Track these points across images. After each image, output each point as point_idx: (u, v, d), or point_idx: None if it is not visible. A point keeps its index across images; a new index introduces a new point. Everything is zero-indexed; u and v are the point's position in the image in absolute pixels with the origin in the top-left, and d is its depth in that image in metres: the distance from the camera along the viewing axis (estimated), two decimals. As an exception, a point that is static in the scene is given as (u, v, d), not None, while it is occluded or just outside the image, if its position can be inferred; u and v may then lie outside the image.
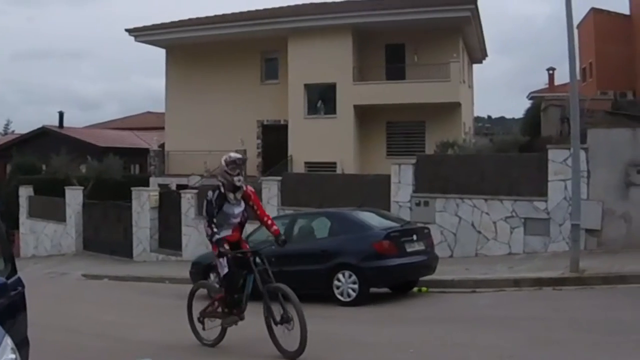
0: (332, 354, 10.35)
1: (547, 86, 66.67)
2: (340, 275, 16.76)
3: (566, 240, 21.26)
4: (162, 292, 22.66)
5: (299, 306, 10.26)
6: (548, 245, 22.59)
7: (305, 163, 38.28)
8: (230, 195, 11.37)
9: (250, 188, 11.67)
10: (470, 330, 12.45)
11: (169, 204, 33.29)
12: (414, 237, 17.57)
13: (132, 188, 34.76)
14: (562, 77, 65.35)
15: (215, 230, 11.20)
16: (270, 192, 28.73)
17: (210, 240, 11.40)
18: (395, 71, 39.44)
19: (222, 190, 11.36)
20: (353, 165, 37.28)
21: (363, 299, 16.43)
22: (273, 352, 10.56)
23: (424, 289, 18.15)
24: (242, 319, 11.49)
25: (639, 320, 12.22)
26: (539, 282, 17.42)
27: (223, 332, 11.86)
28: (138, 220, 33.76)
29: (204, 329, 12.15)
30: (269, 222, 11.53)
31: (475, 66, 52.54)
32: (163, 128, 46.68)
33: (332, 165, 37.12)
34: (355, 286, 16.50)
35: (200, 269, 20.34)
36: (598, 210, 21.74)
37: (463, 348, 10.86)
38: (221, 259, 11.32)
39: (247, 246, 11.86)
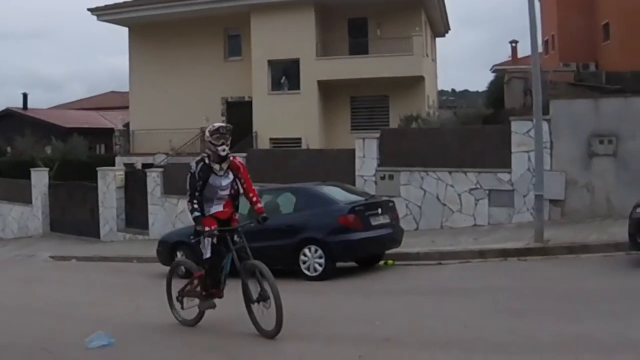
0: (300, 329, 10.38)
1: (510, 59, 66.89)
2: (306, 251, 16.79)
3: (530, 211, 21.48)
4: (130, 271, 22.65)
5: (275, 285, 10.01)
6: (513, 217, 22.77)
7: (271, 139, 38.31)
8: (217, 167, 10.85)
9: (239, 160, 11.18)
10: (436, 302, 12.59)
11: (135, 184, 33.14)
12: (379, 210, 17.61)
13: (98, 168, 34.54)
14: (525, 49, 65.41)
15: (196, 206, 10.82)
16: (236, 169, 28.65)
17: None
18: (359, 46, 39.54)
19: (207, 161, 10.85)
20: (318, 140, 37.33)
21: (330, 274, 16.47)
22: (250, 331, 10.50)
23: (390, 262, 18.26)
24: (221, 297, 11.25)
25: (602, 288, 12.39)
26: (504, 253, 17.61)
27: (201, 313, 11.52)
28: (104, 201, 33.61)
29: (182, 308, 11.81)
30: (254, 198, 11.11)
31: (438, 40, 52.71)
32: (128, 107, 46.53)
33: (298, 141, 37.16)
34: (322, 261, 16.55)
35: (167, 248, 20.42)
36: (561, 181, 21.93)
37: (428, 319, 10.95)
38: (206, 241, 10.91)
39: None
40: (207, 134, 10.81)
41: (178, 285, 11.98)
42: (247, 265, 10.54)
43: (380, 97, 39.19)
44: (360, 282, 16.12)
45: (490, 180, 23.13)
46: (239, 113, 40.81)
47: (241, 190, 11.23)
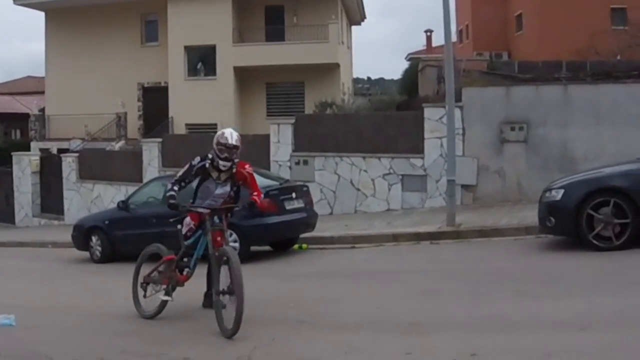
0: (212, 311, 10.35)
1: (425, 48, 67.49)
2: (221, 234, 16.77)
3: (443, 195, 21.74)
4: (46, 256, 22.45)
5: (240, 277, 9.24)
6: (425, 201, 23.13)
7: (186, 125, 38.22)
8: (214, 174, 10.38)
9: (248, 170, 10.48)
10: (349, 284, 12.67)
11: (50, 169, 33.07)
12: (293, 195, 17.73)
13: (13, 153, 34.33)
14: (440, 39, 66.22)
15: (175, 188, 10.27)
16: (151, 154, 28.66)
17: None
18: (275, 33, 39.73)
19: (207, 165, 10.32)
20: (234, 126, 37.10)
21: (244, 257, 16.37)
22: (169, 315, 10.54)
23: (304, 245, 18.38)
24: (181, 285, 10.67)
25: (512, 270, 12.58)
26: (416, 237, 17.78)
27: (163, 303, 10.68)
28: (19, 186, 33.44)
29: (144, 296, 11.01)
30: (254, 193, 10.45)
31: (354, 28, 52.87)
32: (44, 92, 45.85)
33: (213, 127, 36.89)
34: (236, 244, 16.42)
35: (82, 232, 20.49)
36: (473, 166, 22.29)
37: (342, 301, 11.01)
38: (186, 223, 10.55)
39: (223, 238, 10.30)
40: (215, 140, 10.22)
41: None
42: (219, 252, 9.86)
43: (296, 84, 39.44)
44: (275, 266, 16.19)
45: (403, 166, 23.41)
46: (155, 98, 40.73)
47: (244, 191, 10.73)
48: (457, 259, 14.83)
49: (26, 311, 11.28)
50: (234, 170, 10.37)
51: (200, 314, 10.66)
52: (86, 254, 20.28)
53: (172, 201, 10.16)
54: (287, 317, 10.11)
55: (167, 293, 10.60)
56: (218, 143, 10.12)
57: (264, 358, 8.31)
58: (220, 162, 10.17)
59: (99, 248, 19.75)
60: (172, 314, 10.60)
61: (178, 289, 10.71)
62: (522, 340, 7.86)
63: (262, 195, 10.89)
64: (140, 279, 11.14)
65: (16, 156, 34.02)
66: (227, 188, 10.50)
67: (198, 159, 10.40)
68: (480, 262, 14.00)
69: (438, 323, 9.07)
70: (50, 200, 32.81)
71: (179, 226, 10.73)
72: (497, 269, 12.92)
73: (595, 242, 12.96)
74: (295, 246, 18.38)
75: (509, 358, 7.32)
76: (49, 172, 32.99)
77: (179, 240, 10.71)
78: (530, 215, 16.36)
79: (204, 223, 10.24)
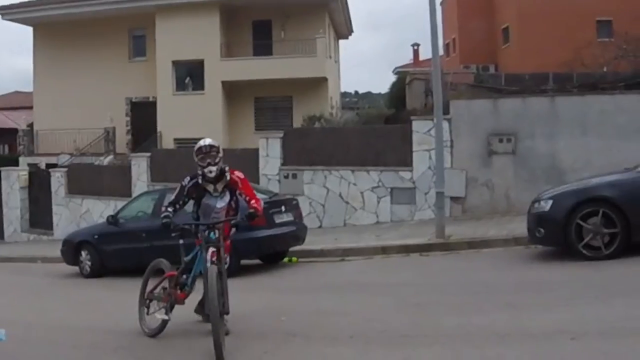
0: (207, 325, 10.31)
1: (412, 61, 67.61)
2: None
3: (432, 208, 21.83)
4: (35, 271, 22.40)
5: (214, 300, 8.97)
6: (414, 214, 23.18)
7: (175, 139, 38.11)
8: (210, 187, 10.10)
9: (237, 174, 10.20)
10: (340, 297, 12.64)
11: (38, 184, 33.15)
12: (283, 208, 17.73)
13: (1, 168, 34.37)
14: (426, 52, 66.30)
15: (169, 209, 10.08)
16: (140, 169, 28.67)
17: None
18: (263, 47, 39.71)
19: (200, 181, 10.07)
20: (222, 140, 36.99)
21: (234, 271, 16.38)
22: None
23: (294, 259, 18.38)
24: (182, 303, 10.43)
25: (502, 281, 12.60)
26: (406, 249, 17.79)
27: (164, 322, 10.36)
28: (8, 201, 33.44)
29: (147, 313, 10.76)
30: (252, 202, 10.01)
31: (341, 42, 52.97)
32: (32, 107, 45.76)
33: (202, 141, 36.98)
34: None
35: (72, 247, 20.41)
36: (462, 178, 22.37)
37: (332, 314, 10.98)
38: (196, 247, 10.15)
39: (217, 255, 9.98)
40: (194, 155, 10.06)
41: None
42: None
43: (284, 98, 39.43)
44: (265, 279, 16.21)
45: (392, 178, 23.48)
46: (143, 113, 40.60)
47: (243, 203, 10.35)
48: (446, 270, 14.86)
49: (16, 326, 11.20)
50: (228, 177, 10.15)
51: (192, 329, 10.64)
52: (76, 268, 20.22)
53: (164, 220, 9.98)
54: (279, 331, 10.08)
55: (166, 312, 10.34)
56: (196, 155, 10.02)
57: (256, 372, 8.33)
58: (206, 170, 9.95)
59: (89, 263, 19.67)
60: (164, 329, 10.52)
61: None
62: (512, 351, 7.89)
63: (262, 202, 10.58)
64: (145, 295, 10.93)
65: (4, 171, 34.04)
66: (227, 198, 10.23)
67: (188, 178, 10.21)
68: (469, 273, 14.05)
69: (428, 335, 9.08)
70: (39, 215, 32.80)
71: (181, 241, 10.48)
72: (486, 280, 12.93)
73: (584, 252, 13.02)
74: (285, 259, 18.38)
75: (500, 368, 7.36)
76: (38, 187, 33.04)
77: (180, 256, 10.50)
78: (519, 227, 16.43)
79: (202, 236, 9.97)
